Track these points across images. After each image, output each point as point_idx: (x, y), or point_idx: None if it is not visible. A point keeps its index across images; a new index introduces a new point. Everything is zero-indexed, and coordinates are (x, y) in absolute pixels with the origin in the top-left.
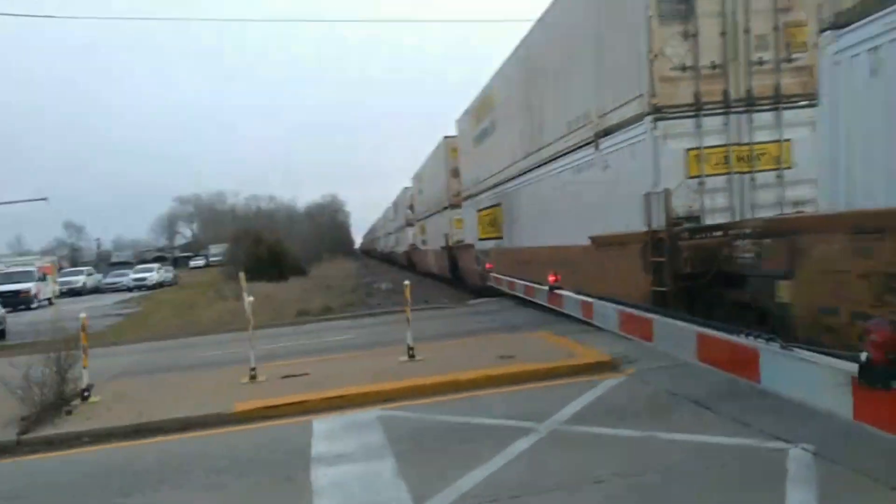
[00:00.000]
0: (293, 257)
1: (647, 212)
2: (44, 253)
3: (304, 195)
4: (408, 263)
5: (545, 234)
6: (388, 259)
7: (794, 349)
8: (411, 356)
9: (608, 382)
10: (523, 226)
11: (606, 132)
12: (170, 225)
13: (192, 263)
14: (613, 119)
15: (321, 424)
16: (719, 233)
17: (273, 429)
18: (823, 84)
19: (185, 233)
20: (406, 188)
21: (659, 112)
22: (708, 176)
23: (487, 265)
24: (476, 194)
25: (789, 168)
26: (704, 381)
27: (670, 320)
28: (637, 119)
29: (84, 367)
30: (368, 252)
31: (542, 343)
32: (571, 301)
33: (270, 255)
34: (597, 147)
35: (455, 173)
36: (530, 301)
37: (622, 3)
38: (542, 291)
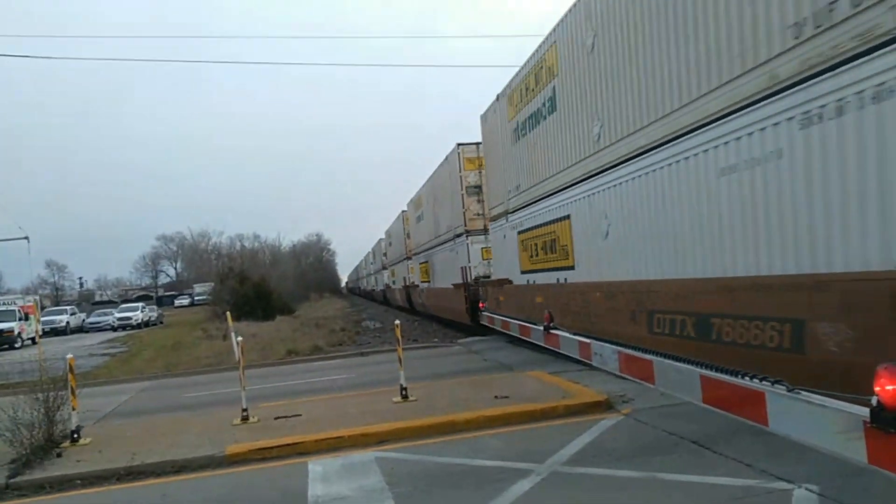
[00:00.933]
0: (279, 296)
1: (464, 274)
2: (25, 292)
3: (288, 235)
4: (383, 300)
5: (441, 280)
6: (370, 296)
7: (801, 392)
8: (405, 397)
9: (605, 423)
10: (434, 274)
11: (456, 235)
12: (153, 264)
13: (177, 302)
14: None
15: (317, 466)
16: None
17: (268, 471)
18: None
19: (169, 272)
20: (380, 239)
21: (468, 232)
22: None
23: (480, 304)
24: (417, 253)
25: None
26: (702, 421)
27: (671, 362)
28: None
29: (73, 409)
30: (354, 290)
31: (536, 383)
32: (568, 341)
33: (256, 293)
34: (454, 241)
35: (409, 236)
36: (522, 340)
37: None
38: (538, 331)
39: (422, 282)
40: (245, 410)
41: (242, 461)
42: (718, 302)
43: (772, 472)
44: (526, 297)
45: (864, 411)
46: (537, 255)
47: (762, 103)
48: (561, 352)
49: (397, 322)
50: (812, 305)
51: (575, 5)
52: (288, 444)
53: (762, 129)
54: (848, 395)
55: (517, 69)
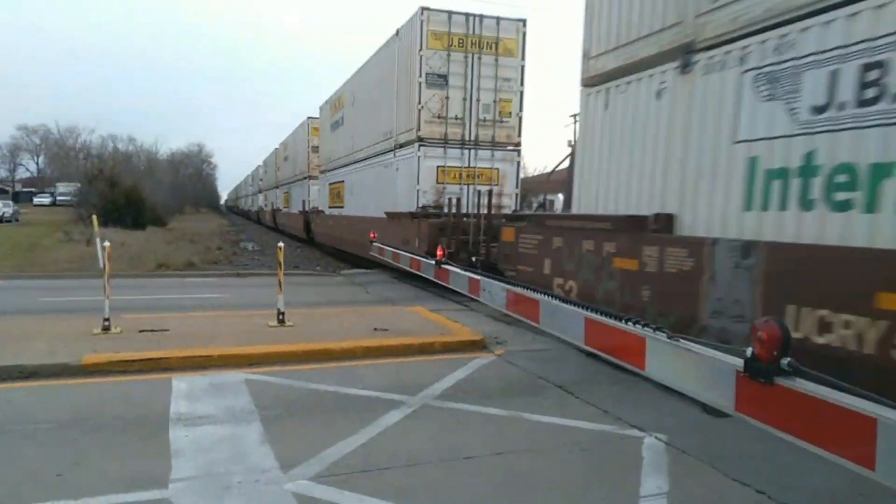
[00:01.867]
0: (153, 206)
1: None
2: None
3: (167, 142)
4: (272, 223)
5: (363, 207)
6: (253, 218)
7: (681, 340)
8: (281, 321)
9: (478, 361)
10: (352, 199)
11: (399, 145)
12: (11, 156)
13: (37, 200)
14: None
15: (181, 383)
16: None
17: (128, 384)
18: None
19: (29, 166)
20: (276, 149)
21: (421, 140)
22: (447, 183)
23: (372, 234)
24: (329, 170)
25: (497, 184)
26: (569, 368)
27: (558, 303)
28: (409, 142)
29: None
30: (234, 209)
31: (416, 318)
32: (458, 277)
33: (127, 200)
34: (395, 152)
35: (315, 150)
36: (405, 275)
37: (409, 64)
38: (429, 265)
39: (331, 207)
40: (107, 320)
41: (100, 372)
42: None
43: (627, 419)
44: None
45: (738, 361)
46: (333, 199)
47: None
48: (449, 286)
49: (280, 244)
50: None
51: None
52: (152, 359)
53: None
54: (724, 346)
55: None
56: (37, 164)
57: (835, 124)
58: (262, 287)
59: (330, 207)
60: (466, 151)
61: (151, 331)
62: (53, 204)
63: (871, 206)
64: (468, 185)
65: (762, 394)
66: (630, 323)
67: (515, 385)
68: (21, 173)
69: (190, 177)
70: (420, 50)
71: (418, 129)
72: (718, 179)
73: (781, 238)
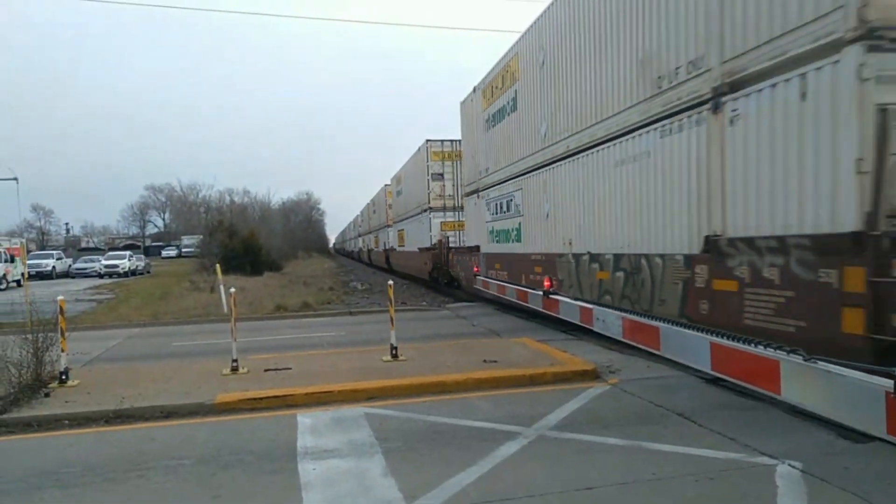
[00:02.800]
0: (268, 252)
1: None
2: (11, 234)
3: (279, 192)
4: (368, 261)
5: (410, 245)
6: (356, 258)
7: (819, 362)
8: (395, 356)
9: (592, 391)
10: (406, 240)
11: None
12: (141, 213)
13: (164, 253)
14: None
15: (306, 419)
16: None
17: (257, 421)
18: None
19: (157, 222)
20: (367, 205)
21: (431, 209)
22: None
23: (475, 269)
24: (396, 221)
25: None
26: (688, 394)
27: (679, 329)
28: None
29: (62, 350)
30: (341, 251)
31: (524, 349)
32: (569, 307)
33: (245, 248)
34: (420, 215)
35: (435, 177)
36: (510, 307)
37: (422, 169)
38: (536, 296)
39: (398, 246)
40: (235, 361)
41: (232, 410)
42: None
43: (756, 447)
44: (522, 265)
45: (887, 382)
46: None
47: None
48: (560, 317)
49: (390, 282)
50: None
51: (530, 26)
52: (278, 396)
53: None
54: (864, 365)
55: (492, 65)
56: (163, 219)
57: None
58: (373, 324)
59: (398, 246)
60: (455, 212)
61: (276, 369)
62: (179, 255)
63: None
64: (458, 230)
65: None
66: (761, 346)
67: (633, 414)
68: (150, 229)
69: (300, 223)
70: (427, 161)
71: (429, 203)
72: None
73: None
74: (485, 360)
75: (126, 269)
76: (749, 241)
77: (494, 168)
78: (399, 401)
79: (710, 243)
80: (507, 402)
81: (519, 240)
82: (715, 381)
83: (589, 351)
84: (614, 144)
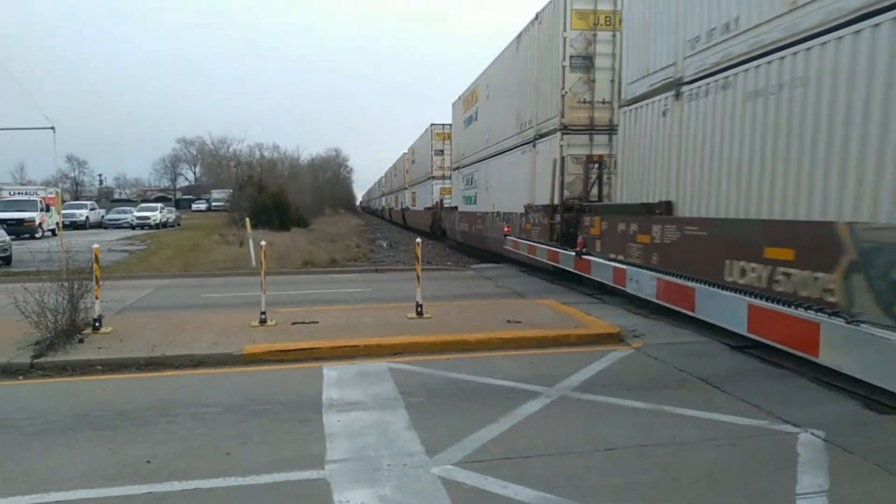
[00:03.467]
0: (296, 208)
1: (553, 191)
2: (46, 184)
3: (308, 147)
4: (402, 221)
5: (503, 203)
6: (385, 217)
7: (862, 325)
8: (420, 313)
9: (616, 354)
10: (491, 194)
11: (539, 135)
12: (172, 167)
13: (195, 206)
14: (539, 129)
15: (332, 371)
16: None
17: (284, 372)
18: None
19: (188, 175)
20: (404, 154)
21: (565, 128)
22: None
23: (506, 228)
24: (463, 167)
25: None
26: (712, 361)
27: (716, 290)
28: (551, 131)
29: (96, 298)
30: (368, 209)
31: (549, 311)
32: (602, 267)
33: (274, 203)
34: (535, 143)
35: (438, 153)
36: (536, 268)
37: (553, 46)
38: (568, 257)
39: (412, 206)
40: (263, 314)
41: (259, 361)
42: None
43: (779, 414)
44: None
45: None
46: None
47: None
48: (591, 277)
49: (418, 240)
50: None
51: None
52: (304, 349)
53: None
54: None
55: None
56: (194, 173)
57: None
58: (399, 281)
59: (464, 204)
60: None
61: (303, 323)
62: (209, 209)
63: None
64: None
65: None
66: (801, 308)
67: (656, 378)
68: (180, 182)
69: (328, 180)
70: (563, 31)
71: (562, 116)
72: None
73: None
74: (508, 321)
75: (157, 221)
76: (533, 207)
77: (467, 154)
78: (423, 357)
79: (527, 206)
80: (529, 362)
81: (475, 203)
82: (740, 349)
83: (614, 315)
84: (508, 153)
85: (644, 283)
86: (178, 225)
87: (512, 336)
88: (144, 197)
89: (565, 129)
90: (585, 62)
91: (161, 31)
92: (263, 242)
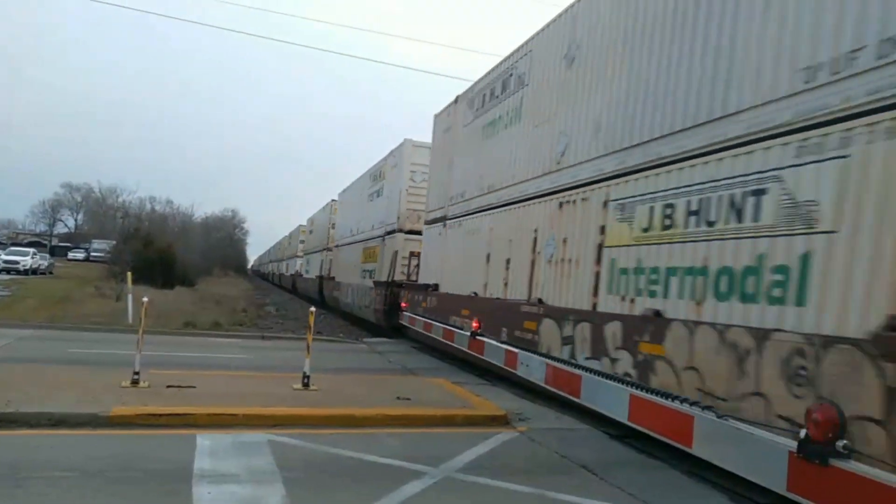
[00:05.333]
0: (183, 266)
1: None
2: None
3: (204, 205)
4: (291, 288)
5: (358, 277)
6: (276, 281)
7: (730, 420)
8: (306, 385)
9: (501, 437)
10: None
11: (387, 233)
12: (53, 211)
13: (71, 255)
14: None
15: (206, 440)
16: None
17: (154, 438)
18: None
19: (68, 222)
20: (300, 225)
21: (402, 231)
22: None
23: (403, 304)
24: (342, 245)
25: None
26: (593, 448)
27: (599, 378)
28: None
29: None
30: (259, 273)
31: (439, 390)
32: (494, 349)
33: (159, 259)
34: (384, 238)
35: (334, 226)
36: (428, 346)
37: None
38: (463, 337)
39: (341, 276)
40: (136, 374)
41: (127, 424)
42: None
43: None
44: (451, 305)
45: (791, 443)
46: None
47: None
48: (484, 358)
49: (312, 309)
50: None
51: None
52: (178, 414)
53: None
54: (775, 427)
55: (481, 75)
56: (75, 220)
57: None
58: (286, 350)
59: (340, 275)
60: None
61: (178, 387)
62: (87, 259)
63: None
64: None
65: (816, 475)
66: (678, 401)
67: (539, 463)
68: (59, 228)
69: (221, 240)
70: (408, 166)
71: (398, 223)
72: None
73: None
74: (398, 397)
75: (27, 267)
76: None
77: (345, 236)
78: (306, 430)
79: (375, 282)
80: (415, 441)
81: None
82: (619, 438)
83: (502, 397)
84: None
85: (534, 367)
86: (51, 273)
87: (400, 413)
88: (16, 240)
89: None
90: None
91: (69, 69)
92: (146, 298)
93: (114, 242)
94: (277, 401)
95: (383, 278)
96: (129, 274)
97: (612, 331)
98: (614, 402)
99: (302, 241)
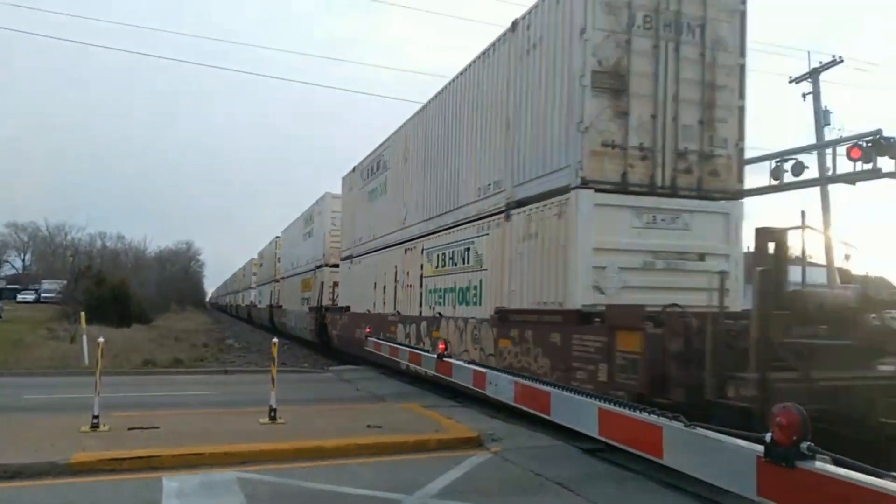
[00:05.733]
0: (138, 303)
1: (319, 298)
2: None
3: (157, 239)
4: (247, 318)
5: (299, 304)
6: (233, 313)
7: (697, 428)
8: (273, 418)
9: (475, 459)
10: (294, 298)
11: (317, 266)
12: None
13: (21, 297)
14: (316, 262)
15: (173, 482)
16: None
17: (118, 483)
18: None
19: (15, 263)
20: (252, 259)
21: (327, 265)
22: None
23: (368, 329)
24: (286, 277)
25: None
26: (568, 464)
27: (568, 394)
28: (321, 265)
29: None
30: (217, 306)
31: (409, 415)
32: (462, 370)
33: (113, 297)
34: (315, 271)
35: (279, 260)
36: (395, 371)
37: (323, 222)
38: (430, 359)
39: (287, 303)
40: (96, 417)
41: (89, 471)
42: None
43: None
44: (356, 321)
45: (758, 447)
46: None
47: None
48: (452, 380)
49: (275, 340)
50: None
51: (399, 129)
52: (142, 457)
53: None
54: (739, 431)
55: (370, 149)
56: (23, 261)
57: None
58: (250, 384)
59: (286, 304)
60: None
61: (141, 428)
62: (38, 301)
63: None
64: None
65: (784, 478)
66: (646, 413)
67: (514, 483)
68: (6, 270)
69: (176, 274)
70: (583, 32)
71: (324, 258)
72: None
73: None
74: (368, 426)
75: None
76: (310, 307)
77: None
78: (275, 466)
79: (310, 307)
80: (388, 469)
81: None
82: (592, 452)
83: (473, 419)
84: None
85: (502, 386)
86: (0, 317)
87: (371, 442)
88: None
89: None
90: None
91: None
92: (101, 339)
93: (64, 282)
94: (245, 437)
95: (314, 304)
96: (82, 314)
97: (424, 325)
98: (584, 416)
99: (254, 274)
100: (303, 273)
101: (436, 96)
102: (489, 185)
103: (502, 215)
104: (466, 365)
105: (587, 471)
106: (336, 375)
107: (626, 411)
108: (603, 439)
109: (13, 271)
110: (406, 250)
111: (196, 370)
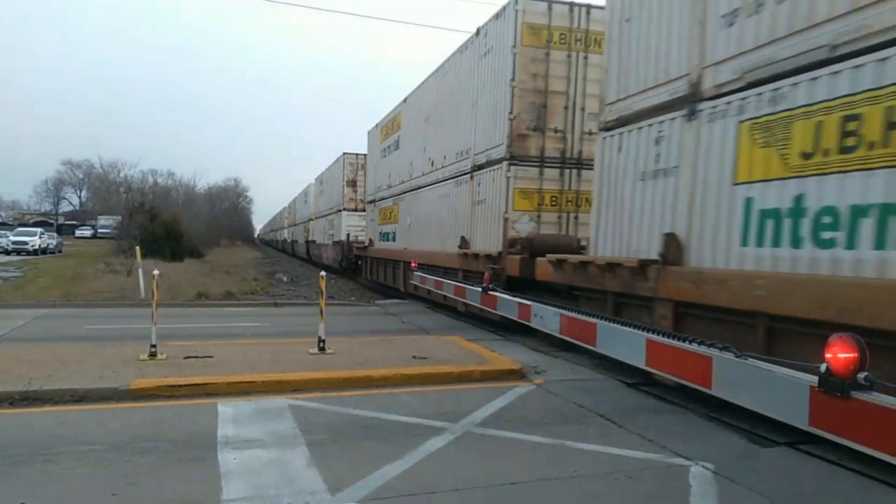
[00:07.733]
0: (190, 238)
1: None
2: None
3: (206, 176)
4: (306, 255)
5: (328, 239)
6: (287, 249)
7: (749, 358)
8: (322, 349)
9: (518, 390)
10: (324, 234)
11: (337, 210)
12: (56, 190)
13: (79, 233)
14: (337, 207)
15: (227, 408)
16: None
17: (175, 408)
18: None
19: (72, 200)
20: (310, 184)
21: (344, 209)
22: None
23: (413, 263)
24: (317, 217)
25: None
26: (609, 397)
27: (616, 325)
28: (340, 209)
29: None
30: (267, 241)
31: (454, 347)
32: (507, 303)
33: (166, 232)
34: (336, 213)
35: (350, 184)
36: (440, 305)
37: (339, 177)
38: (475, 292)
39: (319, 238)
40: (153, 346)
41: (149, 396)
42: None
43: (672, 448)
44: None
45: (811, 377)
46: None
47: None
48: (497, 312)
49: (323, 273)
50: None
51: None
52: (198, 384)
53: None
54: (791, 362)
55: (388, 110)
56: (79, 197)
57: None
58: (299, 316)
59: (380, 241)
60: (567, 171)
61: (196, 357)
62: (94, 236)
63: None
64: (568, 213)
65: (838, 409)
66: (695, 343)
67: (556, 414)
68: (64, 207)
69: (226, 210)
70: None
71: (509, 146)
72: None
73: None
74: (414, 357)
75: (36, 247)
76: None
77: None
78: (325, 394)
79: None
80: (434, 399)
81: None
82: (635, 386)
83: (516, 351)
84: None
85: (548, 318)
86: (60, 251)
87: (417, 372)
88: (22, 221)
89: (513, 159)
90: (352, 183)
91: (48, 44)
92: (156, 272)
93: (119, 218)
94: (295, 366)
95: (337, 239)
96: (137, 248)
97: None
98: (630, 348)
99: (297, 212)
100: (327, 215)
101: (434, 72)
102: (462, 151)
103: (468, 175)
104: (511, 298)
105: (629, 403)
106: (383, 309)
107: (675, 342)
108: (649, 370)
109: (70, 208)
110: (409, 199)
111: (247, 303)
